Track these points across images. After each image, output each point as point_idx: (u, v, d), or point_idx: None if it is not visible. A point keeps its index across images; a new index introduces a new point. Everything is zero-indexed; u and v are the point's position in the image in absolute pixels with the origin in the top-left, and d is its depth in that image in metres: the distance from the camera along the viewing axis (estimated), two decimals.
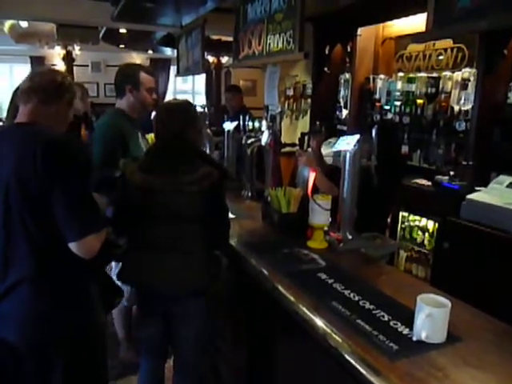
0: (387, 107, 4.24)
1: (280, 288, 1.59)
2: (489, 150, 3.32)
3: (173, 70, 10.58)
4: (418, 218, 3.64)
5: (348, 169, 1.98)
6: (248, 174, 2.87)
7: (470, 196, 3.07)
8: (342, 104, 4.52)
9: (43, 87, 1.47)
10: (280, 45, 2.45)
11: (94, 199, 1.45)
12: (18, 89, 1.53)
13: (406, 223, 3.74)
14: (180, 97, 12.01)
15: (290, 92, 5.01)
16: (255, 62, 3.04)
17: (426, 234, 3.61)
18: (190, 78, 12.27)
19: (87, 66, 10.25)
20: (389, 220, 3.16)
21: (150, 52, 9.29)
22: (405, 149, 4.14)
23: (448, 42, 3.73)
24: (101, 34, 5.65)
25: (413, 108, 3.97)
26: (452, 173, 3.42)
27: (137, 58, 11.22)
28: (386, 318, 1.36)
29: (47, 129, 1.45)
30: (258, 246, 2.01)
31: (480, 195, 3.08)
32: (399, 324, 1.33)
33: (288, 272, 1.70)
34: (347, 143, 1.96)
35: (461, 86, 3.22)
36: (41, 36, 7.04)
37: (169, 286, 1.79)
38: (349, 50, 4.52)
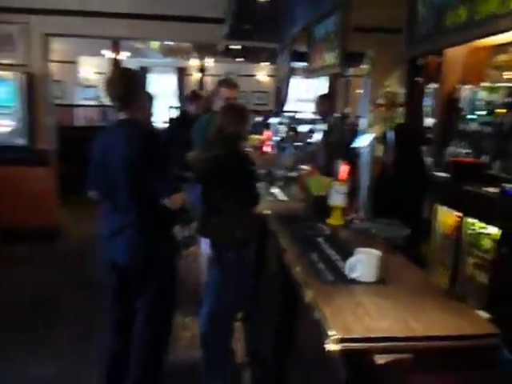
0: (472, 116, 4.33)
1: (280, 240, 2.15)
2: None
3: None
4: (483, 225, 3.69)
5: (363, 161, 2.42)
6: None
7: None
8: (426, 112, 4.72)
9: None
10: (333, 60, 2.94)
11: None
12: None
13: (472, 230, 3.81)
14: (302, 105, 12.69)
15: (382, 101, 5.29)
16: (319, 74, 3.54)
17: (491, 241, 3.64)
18: (311, 87, 12.91)
19: (221, 75, 11.64)
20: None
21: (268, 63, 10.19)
22: (485, 158, 4.19)
23: None
24: (220, 50, 6.68)
25: (494, 117, 4.02)
26: None
27: (264, 67, 12.31)
28: (341, 265, 1.82)
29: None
30: (287, 218, 2.56)
31: None
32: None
33: (295, 233, 2.24)
34: (363, 141, 2.40)
35: None
36: (181, 51, 8.44)
37: None
38: (440, 60, 4.68)
